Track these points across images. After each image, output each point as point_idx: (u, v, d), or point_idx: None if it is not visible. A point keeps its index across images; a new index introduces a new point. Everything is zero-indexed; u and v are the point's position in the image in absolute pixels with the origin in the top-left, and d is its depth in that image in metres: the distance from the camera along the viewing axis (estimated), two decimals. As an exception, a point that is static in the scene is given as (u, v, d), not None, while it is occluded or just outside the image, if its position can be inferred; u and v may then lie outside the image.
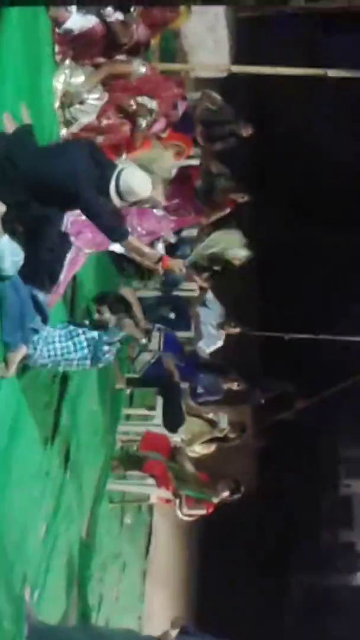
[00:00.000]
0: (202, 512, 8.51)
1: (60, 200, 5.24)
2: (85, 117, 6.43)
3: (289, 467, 13.95)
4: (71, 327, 5.94)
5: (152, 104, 6.91)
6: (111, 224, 5.29)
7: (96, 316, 6.38)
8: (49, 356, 5.72)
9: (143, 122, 6.87)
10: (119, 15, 6.35)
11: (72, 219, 6.01)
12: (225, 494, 8.30)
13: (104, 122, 6.58)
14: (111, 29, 6.31)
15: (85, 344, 5.83)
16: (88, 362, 5.93)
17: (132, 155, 6.87)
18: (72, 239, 6.05)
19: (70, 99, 6.38)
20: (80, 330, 5.92)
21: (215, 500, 8.33)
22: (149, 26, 6.78)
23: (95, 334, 5.92)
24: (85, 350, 5.85)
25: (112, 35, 6.36)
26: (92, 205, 5.14)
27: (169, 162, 7.60)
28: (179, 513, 8.48)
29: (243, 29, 11.71)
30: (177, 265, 6.00)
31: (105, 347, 5.92)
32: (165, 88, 7.19)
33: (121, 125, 6.69)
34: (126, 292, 7.43)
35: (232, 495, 8.30)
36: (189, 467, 8.47)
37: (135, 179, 5.23)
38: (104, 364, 6.18)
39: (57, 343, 5.75)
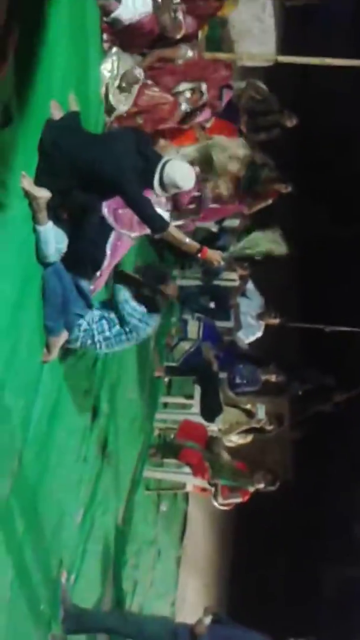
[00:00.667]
0: (238, 500, 8.51)
1: (103, 189, 5.27)
2: (122, 105, 6.43)
3: (325, 460, 13.90)
4: (104, 306, 5.91)
5: (201, 86, 6.90)
6: (152, 214, 5.30)
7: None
8: (89, 337, 5.73)
9: (187, 98, 6.83)
10: (179, 15, 6.36)
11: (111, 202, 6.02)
12: (261, 485, 8.30)
13: (143, 100, 6.53)
14: (160, 22, 6.29)
15: (117, 320, 5.79)
16: (124, 337, 5.85)
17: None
18: (112, 221, 6.04)
19: (118, 84, 6.37)
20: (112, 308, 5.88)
21: (251, 489, 8.34)
22: (195, 17, 6.74)
23: (126, 308, 5.84)
24: (117, 327, 5.80)
25: (160, 28, 6.35)
26: (134, 196, 5.17)
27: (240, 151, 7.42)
28: (214, 502, 8.51)
29: (290, 18, 11.63)
30: (216, 257, 5.99)
31: (139, 323, 5.84)
32: (213, 71, 7.17)
33: (161, 102, 6.65)
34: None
35: (268, 487, 8.30)
36: (226, 457, 8.49)
37: (179, 171, 5.25)
38: (143, 337, 6.09)
39: (94, 324, 5.74)
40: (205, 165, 6.91)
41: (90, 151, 5.11)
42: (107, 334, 5.73)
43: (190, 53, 6.82)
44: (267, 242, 9.29)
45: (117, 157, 5.06)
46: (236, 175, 7.26)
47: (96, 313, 5.74)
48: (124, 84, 6.34)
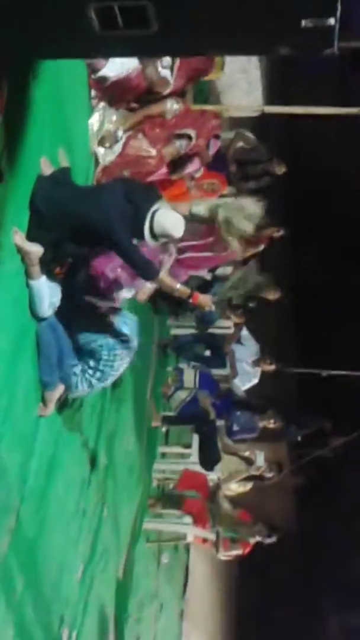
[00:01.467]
0: (239, 552, 8.45)
1: (94, 241, 5.31)
2: (107, 157, 6.50)
3: (326, 505, 13.80)
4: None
5: (190, 132, 6.97)
6: (143, 263, 5.33)
7: None
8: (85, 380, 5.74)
9: (177, 143, 6.91)
10: (165, 73, 6.47)
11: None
12: (262, 537, 8.24)
13: (130, 153, 6.61)
14: (146, 77, 6.39)
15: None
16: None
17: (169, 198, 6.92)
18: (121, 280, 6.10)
19: (104, 141, 6.46)
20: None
21: (252, 540, 8.28)
22: (185, 76, 6.85)
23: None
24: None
25: (147, 82, 6.45)
26: (123, 246, 5.19)
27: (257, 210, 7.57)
28: (216, 553, 8.43)
29: (275, 69, 11.82)
30: (207, 301, 6.03)
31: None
32: (203, 122, 7.25)
33: (146, 157, 6.72)
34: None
35: (267, 540, 8.23)
36: (227, 506, 8.43)
37: (169, 220, 5.28)
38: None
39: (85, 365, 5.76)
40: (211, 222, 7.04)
41: (79, 204, 5.16)
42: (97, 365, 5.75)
43: (176, 106, 6.90)
44: (245, 283, 9.34)
45: (106, 208, 5.09)
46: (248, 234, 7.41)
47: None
48: (107, 144, 6.44)
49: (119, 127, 6.48)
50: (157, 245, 5.49)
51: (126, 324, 5.85)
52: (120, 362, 5.84)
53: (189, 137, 7.02)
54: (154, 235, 5.26)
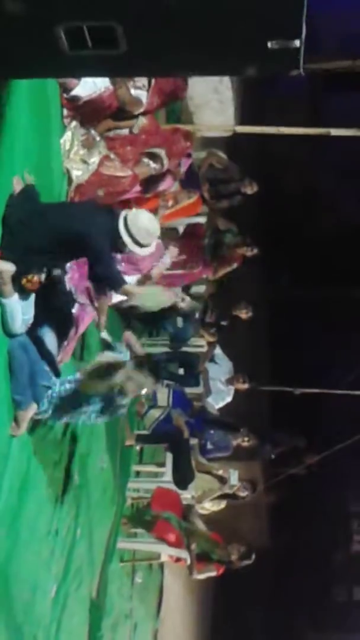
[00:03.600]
0: (212, 573, 8.42)
1: (71, 251, 5.31)
2: (79, 172, 6.51)
3: (300, 523, 13.81)
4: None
5: (161, 152, 7.00)
6: (114, 272, 5.35)
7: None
8: (58, 408, 5.70)
9: (150, 163, 6.94)
10: (140, 93, 6.52)
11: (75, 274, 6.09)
12: (235, 557, 8.21)
13: (104, 173, 6.63)
14: (118, 96, 6.43)
15: (98, 398, 5.80)
16: (102, 416, 5.88)
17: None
18: (75, 295, 6.12)
19: (85, 144, 6.48)
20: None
21: (225, 562, 8.24)
22: (160, 96, 6.90)
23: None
24: (98, 405, 5.81)
25: (119, 102, 6.49)
26: (101, 255, 5.20)
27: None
28: (190, 574, 8.40)
29: (247, 89, 11.93)
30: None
31: (119, 400, 5.88)
32: (174, 141, 7.30)
33: (122, 177, 6.75)
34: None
35: (242, 561, 8.21)
36: (201, 526, 8.41)
37: (142, 217, 5.31)
38: (118, 416, 6.15)
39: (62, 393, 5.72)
40: None
41: (55, 216, 5.18)
42: (85, 408, 5.74)
43: (143, 120, 6.94)
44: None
45: (82, 216, 5.11)
46: None
47: (66, 385, 5.73)
48: (82, 151, 6.44)
49: (90, 129, 6.49)
50: (141, 249, 5.45)
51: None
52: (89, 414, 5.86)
53: (161, 159, 7.06)
54: (135, 240, 5.25)
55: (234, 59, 2.48)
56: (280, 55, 2.40)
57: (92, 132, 6.43)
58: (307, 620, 13.77)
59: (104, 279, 5.47)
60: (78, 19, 2.40)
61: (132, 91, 6.53)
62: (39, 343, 5.57)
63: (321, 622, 13.83)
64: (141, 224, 5.26)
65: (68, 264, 5.91)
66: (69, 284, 5.96)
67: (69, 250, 5.30)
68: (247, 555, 8.23)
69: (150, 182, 7.17)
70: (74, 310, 5.99)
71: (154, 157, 6.97)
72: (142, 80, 6.67)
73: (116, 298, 6.53)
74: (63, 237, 5.12)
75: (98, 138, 6.52)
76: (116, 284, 5.44)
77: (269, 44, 2.37)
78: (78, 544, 6.98)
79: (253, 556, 8.29)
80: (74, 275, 5.98)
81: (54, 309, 5.85)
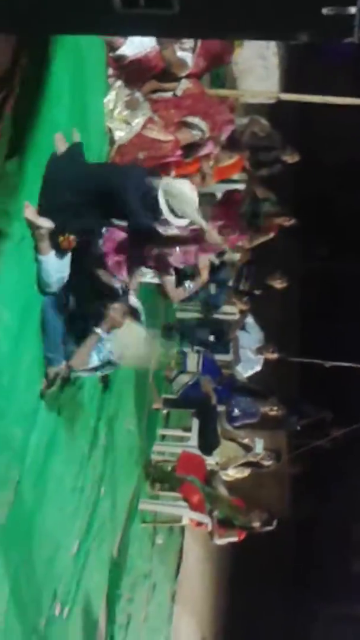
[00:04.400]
0: (234, 539, 8.47)
1: (108, 208, 5.29)
2: (122, 133, 6.47)
3: (323, 495, 13.84)
4: None
5: (203, 124, 6.94)
6: (149, 225, 5.32)
7: None
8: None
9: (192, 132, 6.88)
10: (185, 55, 6.44)
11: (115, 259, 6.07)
12: (257, 524, 8.25)
13: (146, 135, 6.59)
14: (164, 57, 6.37)
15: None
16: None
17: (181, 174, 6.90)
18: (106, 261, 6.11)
19: (130, 105, 6.45)
20: None
21: (248, 527, 8.29)
22: (206, 59, 6.82)
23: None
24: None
25: (165, 63, 6.43)
26: (136, 211, 5.19)
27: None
28: (211, 539, 8.46)
29: (293, 57, 11.77)
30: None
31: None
32: (218, 112, 7.23)
33: (164, 141, 6.71)
34: None
35: (263, 527, 8.24)
36: (223, 491, 8.46)
37: (177, 184, 5.28)
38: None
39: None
40: None
41: (94, 174, 5.17)
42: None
43: (187, 83, 6.88)
44: None
45: (122, 174, 5.09)
46: None
47: None
48: (125, 112, 6.41)
49: (135, 91, 6.45)
50: (177, 222, 5.41)
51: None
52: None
53: (201, 130, 7.00)
54: (170, 208, 5.23)
55: (286, 24, 2.44)
56: (334, 21, 2.36)
57: (137, 93, 6.39)
58: (326, 589, 13.84)
59: (139, 230, 5.44)
60: (132, -23, 2.38)
61: (179, 53, 6.47)
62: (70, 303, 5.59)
63: (339, 593, 13.88)
64: (178, 191, 5.22)
65: (104, 229, 5.89)
66: (101, 249, 5.96)
67: (106, 207, 5.28)
68: (269, 522, 8.27)
69: (191, 147, 7.12)
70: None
71: (194, 127, 6.92)
72: (189, 42, 6.60)
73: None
74: (100, 193, 5.10)
75: (142, 99, 6.48)
76: (150, 233, 5.40)
77: (323, 10, 2.33)
78: (101, 503, 7.06)
79: (275, 523, 8.32)
80: (107, 243, 5.97)
81: (85, 271, 5.86)
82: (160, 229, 5.53)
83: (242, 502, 8.53)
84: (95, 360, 5.60)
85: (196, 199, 5.34)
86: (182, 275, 6.90)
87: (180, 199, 5.21)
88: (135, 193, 5.10)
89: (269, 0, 2.38)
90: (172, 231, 5.59)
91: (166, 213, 5.21)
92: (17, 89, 4.72)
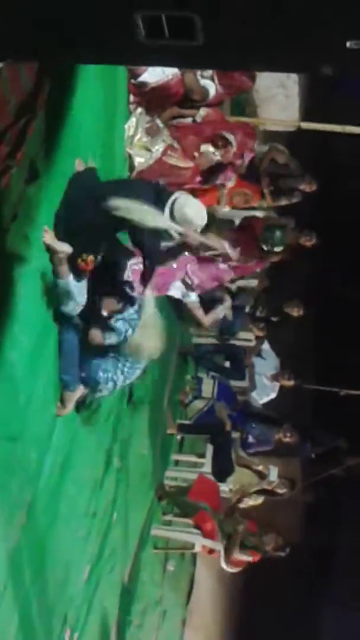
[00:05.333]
0: (249, 558, 8.37)
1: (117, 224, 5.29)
2: (142, 159, 6.51)
3: (337, 524, 13.73)
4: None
5: (231, 137, 6.98)
6: (153, 249, 5.30)
7: None
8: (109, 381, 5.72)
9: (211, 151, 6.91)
10: (207, 84, 6.50)
11: (134, 267, 6.08)
12: (270, 547, 8.18)
13: (166, 162, 6.62)
14: (185, 83, 6.42)
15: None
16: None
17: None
18: (135, 285, 6.12)
19: (149, 132, 6.49)
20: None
21: (260, 550, 8.23)
22: (227, 88, 6.88)
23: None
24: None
25: (186, 90, 6.49)
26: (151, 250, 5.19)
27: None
28: (223, 564, 8.40)
29: (314, 86, 11.83)
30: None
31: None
32: (240, 132, 7.27)
33: (183, 168, 6.74)
34: None
35: (277, 552, 8.18)
36: (237, 518, 8.40)
37: (190, 205, 5.23)
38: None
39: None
40: None
41: (106, 193, 5.16)
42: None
43: (207, 110, 6.92)
44: None
45: (131, 192, 5.08)
46: None
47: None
48: (145, 139, 6.45)
49: (155, 118, 6.50)
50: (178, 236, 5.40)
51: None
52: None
53: (230, 143, 7.02)
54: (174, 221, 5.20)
55: (310, 57, 2.46)
56: (358, 55, 2.38)
57: (157, 120, 6.45)
58: (339, 620, 13.69)
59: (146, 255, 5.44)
60: (158, 8, 2.40)
61: (200, 81, 6.53)
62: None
63: (352, 621, 13.73)
64: (186, 211, 5.19)
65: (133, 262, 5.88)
66: (130, 275, 5.96)
67: (117, 228, 5.29)
68: (282, 548, 8.19)
69: (209, 173, 7.16)
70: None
71: (224, 140, 6.94)
72: (209, 71, 6.67)
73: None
74: (115, 218, 5.11)
75: (162, 126, 6.54)
76: (155, 260, 5.39)
77: (347, 44, 2.35)
78: (114, 528, 7.03)
79: (287, 550, 8.25)
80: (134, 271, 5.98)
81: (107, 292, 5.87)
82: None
83: (255, 525, 8.47)
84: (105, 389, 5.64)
85: (202, 219, 5.30)
86: (210, 301, 6.94)
87: (185, 214, 5.18)
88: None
89: (293, 34, 2.40)
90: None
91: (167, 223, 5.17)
92: (39, 114, 4.76)
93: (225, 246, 7.19)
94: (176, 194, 5.21)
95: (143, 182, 5.26)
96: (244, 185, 8.11)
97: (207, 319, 6.21)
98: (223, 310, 6.95)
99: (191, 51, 2.53)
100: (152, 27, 2.49)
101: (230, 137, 7.00)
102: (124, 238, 5.51)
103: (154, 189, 5.24)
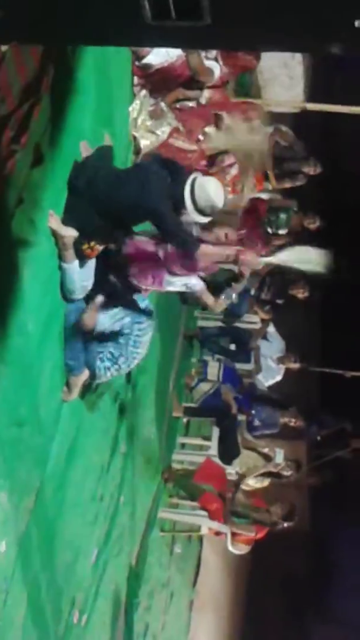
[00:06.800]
0: (251, 534, 8.34)
1: (138, 219, 5.28)
2: (147, 141, 6.48)
3: (342, 507, 13.76)
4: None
5: (224, 115, 6.93)
6: (185, 235, 5.31)
7: None
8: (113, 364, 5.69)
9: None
10: (212, 64, 6.44)
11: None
12: (278, 517, 8.13)
13: (172, 144, 6.59)
14: (191, 67, 6.37)
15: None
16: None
17: None
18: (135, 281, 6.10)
19: (152, 115, 6.46)
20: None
21: (267, 524, 8.18)
22: (231, 67, 6.82)
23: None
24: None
25: (191, 71, 6.44)
26: (167, 220, 5.16)
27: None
28: (229, 546, 8.42)
29: (318, 66, 11.75)
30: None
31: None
32: (241, 111, 7.22)
33: (189, 151, 6.71)
34: None
35: (285, 522, 8.14)
36: (240, 496, 8.38)
37: (210, 186, 5.22)
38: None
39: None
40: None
41: (117, 188, 5.14)
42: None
43: (213, 92, 6.88)
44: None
45: (148, 187, 5.03)
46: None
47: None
48: (149, 122, 6.42)
49: (159, 101, 6.46)
50: (202, 220, 5.39)
51: (144, 301, 5.80)
52: (144, 339, 5.72)
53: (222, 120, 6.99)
54: (196, 206, 5.20)
55: (318, 36, 2.44)
56: (366, 34, 2.35)
57: (161, 103, 6.40)
58: (342, 604, 13.75)
59: (175, 244, 5.44)
60: (165, -11, 2.38)
61: (205, 62, 6.48)
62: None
63: (357, 604, 13.79)
64: (208, 191, 5.19)
65: (126, 239, 5.87)
66: (125, 256, 5.94)
67: (138, 218, 5.27)
68: (290, 517, 8.15)
69: (215, 158, 7.12)
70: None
71: (221, 120, 6.91)
72: (214, 51, 6.61)
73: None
74: (132, 205, 5.08)
75: (166, 109, 6.50)
76: (189, 247, 5.39)
77: (356, 22, 2.33)
78: (121, 511, 7.06)
79: (296, 518, 8.20)
80: (130, 249, 5.95)
81: (110, 279, 5.86)
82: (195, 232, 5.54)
83: (262, 501, 8.45)
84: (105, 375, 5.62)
85: (222, 197, 5.29)
86: (218, 284, 6.90)
87: (206, 195, 5.17)
88: (164, 201, 5.06)
89: (301, 13, 2.37)
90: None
91: (187, 201, 5.16)
92: (43, 97, 4.73)
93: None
94: (194, 174, 5.19)
95: (155, 167, 5.19)
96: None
97: (217, 304, 6.16)
98: (233, 291, 6.91)
99: (197, 32, 2.50)
100: (159, 8, 2.46)
101: (223, 114, 6.94)
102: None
103: (170, 169, 5.20)
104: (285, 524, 8.20)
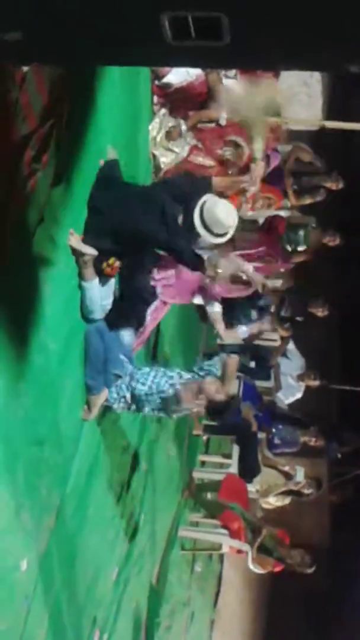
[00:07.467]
0: (270, 568, 8.31)
1: (147, 243, 5.32)
2: (167, 159, 6.50)
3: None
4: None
5: (239, 139, 6.95)
6: (193, 256, 5.34)
7: None
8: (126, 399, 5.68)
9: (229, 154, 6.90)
10: (229, 82, 6.46)
11: (160, 276, 6.10)
12: (295, 562, 8.03)
13: (192, 161, 6.61)
14: (210, 85, 6.41)
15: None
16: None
17: None
18: (159, 290, 6.14)
19: (170, 137, 6.49)
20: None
21: (285, 562, 8.11)
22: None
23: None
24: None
25: (209, 91, 6.47)
26: (180, 250, 5.20)
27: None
28: (250, 565, 8.36)
29: (337, 84, 11.77)
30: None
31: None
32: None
33: (209, 167, 6.73)
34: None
35: (301, 568, 8.01)
36: (270, 530, 8.27)
37: (220, 207, 5.25)
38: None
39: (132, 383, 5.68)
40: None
41: (126, 212, 5.16)
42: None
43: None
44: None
45: (157, 215, 5.08)
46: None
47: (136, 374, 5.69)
48: (169, 143, 6.45)
49: (180, 122, 6.50)
50: (215, 242, 5.41)
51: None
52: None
53: (239, 147, 7.00)
54: (207, 228, 5.22)
55: (338, 56, 2.44)
56: (386, 53, 2.35)
57: (182, 126, 6.43)
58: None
59: (183, 264, 5.48)
60: (184, 8, 2.38)
61: (223, 80, 6.51)
62: (112, 331, 5.59)
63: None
64: (217, 213, 5.21)
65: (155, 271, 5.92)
66: (154, 282, 5.98)
67: (146, 243, 5.31)
68: (309, 565, 8.05)
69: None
70: (153, 304, 6.02)
71: (235, 144, 6.92)
72: (234, 70, 6.64)
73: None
74: (141, 234, 5.13)
75: (185, 129, 6.52)
76: (194, 264, 5.42)
77: (376, 42, 2.33)
78: (141, 530, 7.04)
79: (313, 568, 8.07)
80: (160, 272, 6.00)
81: (133, 298, 5.88)
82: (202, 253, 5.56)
83: (287, 535, 8.36)
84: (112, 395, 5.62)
85: (234, 218, 5.31)
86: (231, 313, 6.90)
87: (216, 218, 5.20)
88: (174, 230, 5.10)
89: (319, 33, 2.38)
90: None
91: (197, 225, 5.20)
92: (64, 117, 4.76)
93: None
94: (204, 197, 5.21)
95: (166, 192, 5.23)
96: (266, 189, 8.08)
97: (226, 334, 6.18)
98: (246, 332, 6.92)
99: (217, 51, 2.50)
100: (179, 27, 2.47)
101: (239, 140, 6.96)
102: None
103: (180, 195, 5.23)
104: (301, 570, 8.09)
